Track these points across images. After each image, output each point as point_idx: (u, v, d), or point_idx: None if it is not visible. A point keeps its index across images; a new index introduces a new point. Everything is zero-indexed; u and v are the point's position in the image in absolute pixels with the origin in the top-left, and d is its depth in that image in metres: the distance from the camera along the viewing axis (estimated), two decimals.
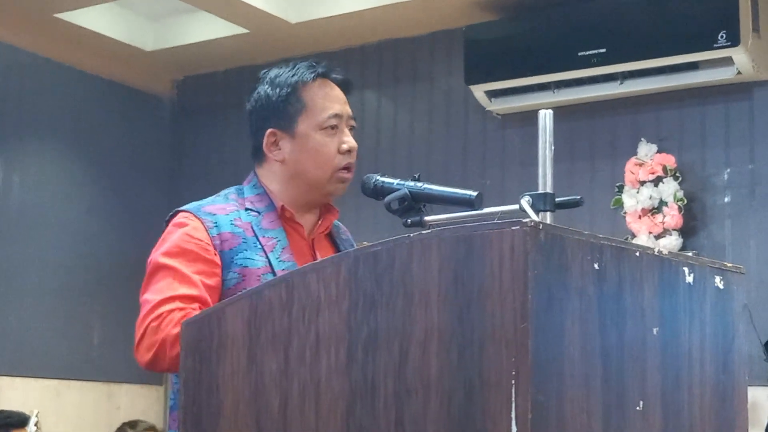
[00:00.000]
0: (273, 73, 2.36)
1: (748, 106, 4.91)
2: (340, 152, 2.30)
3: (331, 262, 1.72)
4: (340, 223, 2.48)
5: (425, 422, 1.56)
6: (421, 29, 5.67)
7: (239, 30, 5.74)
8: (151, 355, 2.08)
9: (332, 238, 2.42)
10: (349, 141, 2.32)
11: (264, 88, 2.35)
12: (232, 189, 2.36)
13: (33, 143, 5.82)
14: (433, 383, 1.56)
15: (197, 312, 2.06)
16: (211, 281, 2.18)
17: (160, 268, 2.18)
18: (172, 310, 2.10)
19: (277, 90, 2.32)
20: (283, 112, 2.31)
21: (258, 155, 2.36)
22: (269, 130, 2.32)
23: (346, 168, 2.32)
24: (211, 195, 2.36)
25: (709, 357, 1.83)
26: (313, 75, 2.33)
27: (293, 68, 2.35)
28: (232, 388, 1.77)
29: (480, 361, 1.52)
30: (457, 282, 1.56)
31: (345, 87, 2.39)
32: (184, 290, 2.14)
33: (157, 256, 2.20)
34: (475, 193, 2.11)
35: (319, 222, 2.37)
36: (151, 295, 2.15)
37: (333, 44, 5.87)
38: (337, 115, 2.31)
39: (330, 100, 2.33)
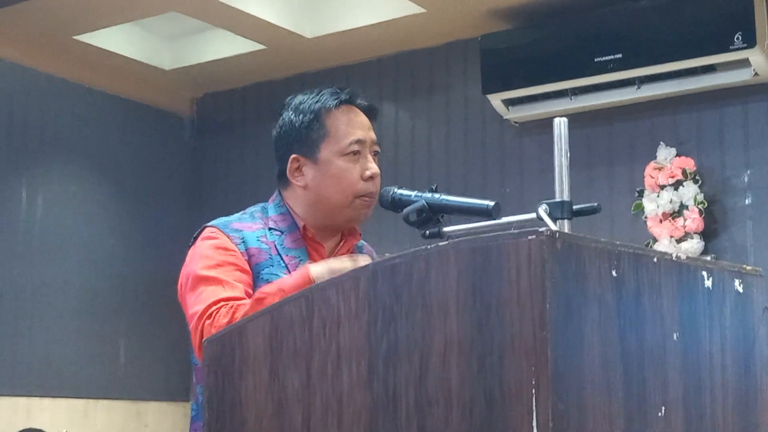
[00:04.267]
0: (297, 99, 2.38)
1: (766, 106, 4.88)
2: (362, 178, 2.31)
3: (350, 276, 1.73)
4: (365, 243, 2.49)
5: None
6: (436, 40, 5.68)
7: (256, 46, 5.77)
8: None
9: None
10: (372, 167, 2.32)
11: (288, 115, 2.37)
12: (258, 207, 2.39)
13: (55, 164, 5.86)
14: (454, 394, 1.56)
15: (245, 306, 2.09)
16: (250, 290, 2.21)
17: (201, 279, 2.20)
18: (219, 307, 2.12)
19: (301, 116, 2.35)
20: (306, 138, 2.33)
21: (283, 179, 2.38)
22: (293, 156, 2.35)
23: (368, 196, 2.32)
24: (231, 211, 2.38)
25: (731, 361, 1.83)
26: (336, 101, 2.34)
27: (317, 95, 2.36)
28: (255, 404, 1.78)
29: (500, 371, 1.53)
30: (476, 293, 1.57)
31: (370, 113, 2.40)
32: (229, 293, 2.16)
33: (195, 269, 2.22)
34: (492, 203, 2.11)
35: (341, 244, 2.39)
36: (198, 306, 2.16)
37: (349, 58, 5.90)
38: (359, 141, 2.32)
39: (353, 126, 2.34)
